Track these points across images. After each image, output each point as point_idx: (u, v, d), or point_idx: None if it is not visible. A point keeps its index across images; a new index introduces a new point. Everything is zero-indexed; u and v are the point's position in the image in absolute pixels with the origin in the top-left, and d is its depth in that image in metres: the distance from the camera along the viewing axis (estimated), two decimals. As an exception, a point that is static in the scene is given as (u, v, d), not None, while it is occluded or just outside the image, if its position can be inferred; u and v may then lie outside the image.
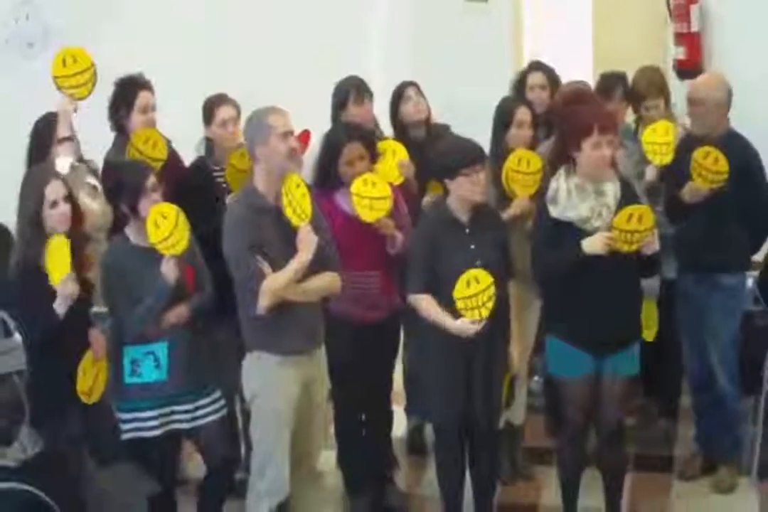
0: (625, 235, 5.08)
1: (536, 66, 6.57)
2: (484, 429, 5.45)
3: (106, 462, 5.10)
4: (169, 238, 5.02)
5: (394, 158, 5.86)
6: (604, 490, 5.53)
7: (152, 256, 5.03)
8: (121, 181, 5.15)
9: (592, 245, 5.11)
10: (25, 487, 4.53)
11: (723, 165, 5.63)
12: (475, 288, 5.09)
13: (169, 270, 5.02)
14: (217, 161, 5.90)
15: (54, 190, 4.99)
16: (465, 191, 5.25)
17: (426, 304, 5.25)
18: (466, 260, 5.19)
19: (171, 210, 5.05)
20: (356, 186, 5.42)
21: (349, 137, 5.55)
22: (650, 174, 5.96)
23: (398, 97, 6.30)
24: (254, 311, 4.91)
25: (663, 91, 6.36)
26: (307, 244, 4.93)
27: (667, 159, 5.89)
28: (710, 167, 5.64)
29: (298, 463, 5.15)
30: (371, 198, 5.41)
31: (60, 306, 4.87)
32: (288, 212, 4.96)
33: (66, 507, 4.63)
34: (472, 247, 5.24)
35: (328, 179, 5.58)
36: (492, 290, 5.10)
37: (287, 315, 4.93)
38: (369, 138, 5.69)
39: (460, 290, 5.09)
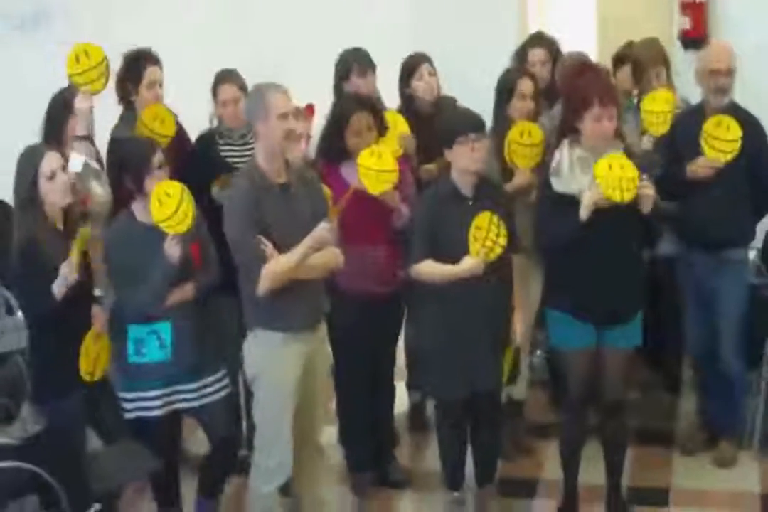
0: (612, 182, 4.99)
1: (537, 40, 6.50)
2: (486, 404, 5.46)
3: (108, 440, 5.10)
4: (173, 217, 4.94)
5: (395, 130, 5.82)
6: (606, 464, 5.54)
7: (158, 233, 4.96)
8: (128, 158, 5.10)
9: (587, 203, 5.01)
10: (27, 465, 4.52)
11: (736, 131, 5.57)
12: (482, 226, 5.12)
13: (172, 250, 4.95)
14: (223, 136, 5.92)
15: (50, 162, 4.90)
16: (461, 160, 5.22)
17: (428, 266, 5.24)
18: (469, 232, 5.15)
19: (176, 188, 4.98)
20: (363, 157, 5.37)
21: (357, 107, 5.52)
22: (646, 144, 5.91)
23: (411, 70, 6.22)
24: (255, 291, 4.87)
25: (665, 61, 6.30)
26: (318, 239, 4.87)
27: (663, 129, 5.84)
28: (722, 136, 5.58)
29: (301, 439, 5.15)
30: (377, 170, 5.37)
31: (58, 287, 4.81)
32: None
33: (68, 485, 4.60)
34: (474, 219, 5.18)
35: (335, 150, 5.56)
36: (504, 228, 5.11)
37: (288, 292, 4.90)
38: (377, 109, 5.66)
39: (473, 230, 5.11)
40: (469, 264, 5.14)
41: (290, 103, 4.97)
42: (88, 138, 5.57)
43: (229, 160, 5.86)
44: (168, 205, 4.95)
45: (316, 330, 5.13)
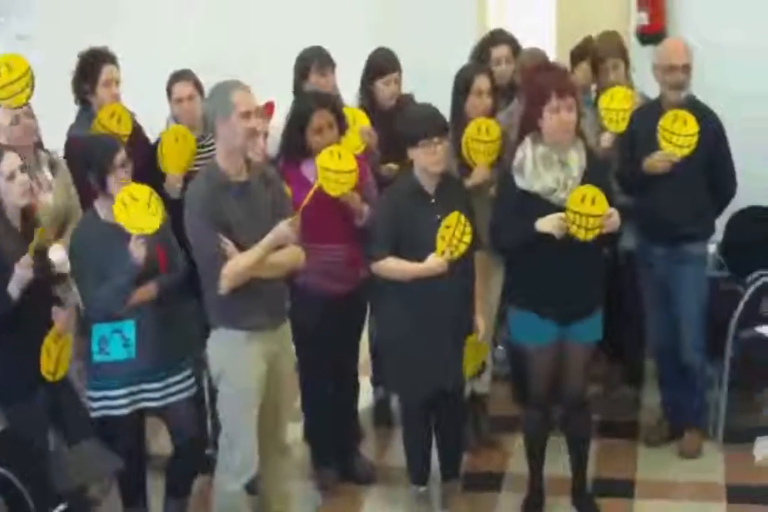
0: (580, 219, 5.05)
1: (500, 37, 6.48)
2: (450, 399, 5.49)
3: (72, 440, 5.09)
4: (137, 220, 4.93)
5: (355, 126, 5.83)
6: (570, 457, 5.57)
7: (121, 231, 4.95)
8: (90, 156, 5.07)
9: (545, 225, 5.09)
10: (-10, 466, 4.54)
11: (693, 126, 5.60)
12: (451, 225, 5.15)
13: (138, 250, 4.94)
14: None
15: (9, 163, 4.90)
16: (423, 161, 5.25)
17: (390, 262, 5.26)
18: (432, 230, 5.17)
19: (143, 192, 4.97)
20: (322, 158, 5.35)
21: (318, 105, 5.51)
22: (606, 142, 5.93)
23: (379, 73, 6.14)
24: (217, 290, 4.88)
25: (623, 53, 6.34)
26: (280, 237, 4.88)
27: (623, 126, 5.87)
28: (679, 131, 5.62)
29: (266, 437, 5.15)
30: (337, 171, 5.35)
31: (14, 287, 4.81)
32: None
33: (32, 486, 4.60)
34: (438, 216, 5.21)
35: (296, 148, 5.55)
36: (469, 226, 5.15)
37: (251, 291, 4.90)
38: (338, 106, 5.66)
39: (441, 229, 5.15)
40: (433, 263, 5.17)
41: (253, 101, 4.95)
42: (39, 144, 5.57)
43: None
44: (133, 207, 4.93)
45: (278, 330, 5.13)
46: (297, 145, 5.54)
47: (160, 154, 5.71)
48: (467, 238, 5.18)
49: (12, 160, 4.93)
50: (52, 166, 5.61)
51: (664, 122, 5.64)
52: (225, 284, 4.86)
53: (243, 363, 4.99)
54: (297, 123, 5.54)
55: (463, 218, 5.16)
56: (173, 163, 5.73)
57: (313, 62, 6.06)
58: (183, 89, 5.89)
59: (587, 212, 5.05)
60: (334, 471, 5.92)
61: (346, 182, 5.38)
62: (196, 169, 5.43)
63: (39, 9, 7.14)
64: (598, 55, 6.28)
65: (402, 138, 5.33)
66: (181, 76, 5.94)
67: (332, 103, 5.61)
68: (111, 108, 5.75)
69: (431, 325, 5.30)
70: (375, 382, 6.60)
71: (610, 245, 5.84)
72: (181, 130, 5.79)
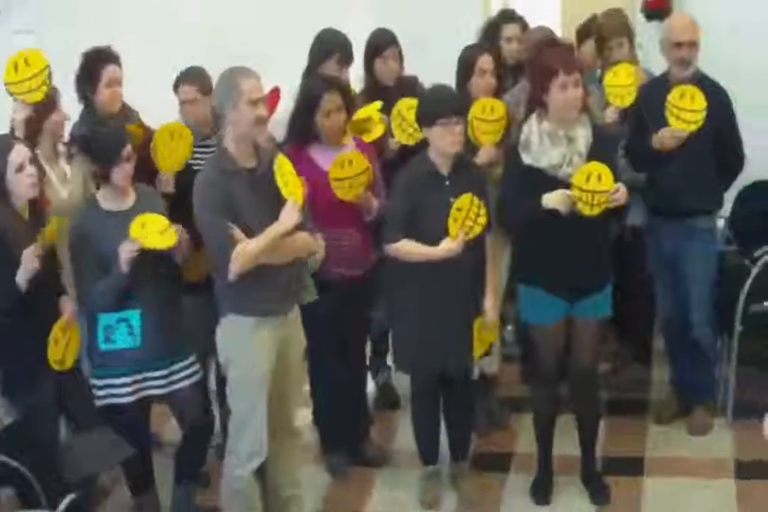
0: (586, 196, 5.04)
1: (510, 16, 6.46)
2: (459, 379, 5.49)
3: (80, 429, 5.11)
4: (154, 239, 5.01)
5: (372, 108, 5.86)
6: (579, 436, 5.58)
7: (124, 220, 4.99)
8: (97, 147, 5.08)
9: (551, 200, 5.08)
10: (0, 457, 4.54)
11: (701, 101, 5.57)
12: (463, 207, 5.15)
13: (125, 253, 4.97)
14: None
15: (19, 154, 4.91)
16: (441, 141, 5.22)
17: (405, 245, 5.26)
18: (446, 213, 5.16)
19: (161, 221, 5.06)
20: (333, 171, 5.38)
21: (327, 87, 5.50)
22: (611, 116, 5.91)
23: (376, 51, 6.13)
24: (227, 276, 4.87)
25: (627, 31, 6.30)
26: (290, 217, 4.85)
27: (628, 100, 5.85)
28: (687, 106, 5.58)
29: (276, 423, 5.14)
30: (352, 177, 5.39)
31: (21, 278, 4.82)
32: (281, 184, 4.86)
33: (42, 476, 4.62)
34: (452, 199, 5.19)
35: (304, 131, 5.53)
36: (483, 208, 5.15)
37: (260, 276, 4.89)
38: (347, 90, 5.65)
39: (453, 212, 5.14)
40: (448, 246, 5.17)
41: (261, 89, 4.93)
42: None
43: (191, 162, 5.70)
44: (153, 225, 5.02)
45: (288, 315, 5.12)
46: (305, 127, 5.53)
47: (153, 150, 5.60)
48: (482, 220, 5.18)
49: (21, 152, 4.93)
50: (69, 159, 5.59)
51: (672, 98, 5.60)
52: (234, 269, 4.84)
53: (251, 350, 4.98)
54: (306, 106, 5.51)
55: (476, 200, 5.15)
56: (165, 159, 5.61)
57: (335, 53, 6.00)
58: (185, 92, 5.79)
59: (593, 189, 5.04)
60: (345, 456, 5.94)
61: (360, 184, 5.44)
62: (197, 168, 5.38)
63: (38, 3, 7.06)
64: (603, 33, 6.26)
65: (419, 117, 5.31)
66: (185, 77, 5.83)
67: (342, 87, 5.59)
68: (170, 127, 5.63)
69: (443, 306, 5.31)
70: (375, 368, 6.59)
71: (619, 220, 5.82)
72: (177, 127, 5.66)
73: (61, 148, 5.58)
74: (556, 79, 5.06)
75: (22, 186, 4.92)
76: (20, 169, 4.90)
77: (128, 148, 5.06)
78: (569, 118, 5.13)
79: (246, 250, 4.81)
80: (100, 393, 5.16)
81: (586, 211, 5.07)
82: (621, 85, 5.85)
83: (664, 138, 5.66)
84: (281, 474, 5.33)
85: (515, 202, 5.21)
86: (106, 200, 5.13)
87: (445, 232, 5.17)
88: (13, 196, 4.93)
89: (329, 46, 6.01)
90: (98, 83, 5.72)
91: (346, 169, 5.39)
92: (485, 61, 5.86)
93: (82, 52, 5.77)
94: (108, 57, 5.76)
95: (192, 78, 5.81)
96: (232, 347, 5.04)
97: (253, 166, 4.97)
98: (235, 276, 4.86)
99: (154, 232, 5.01)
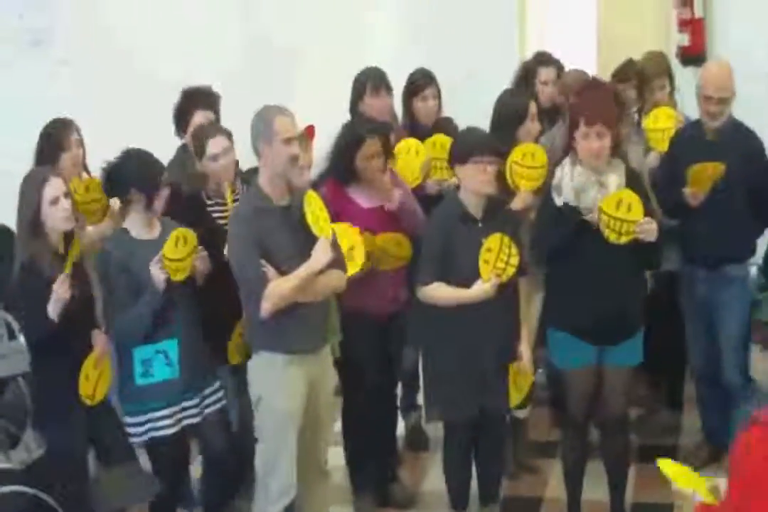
0: (614, 222, 5.04)
1: (546, 59, 6.52)
2: (491, 423, 5.47)
3: (110, 464, 5.10)
4: (179, 262, 5.04)
5: (418, 158, 5.93)
6: (608, 481, 5.54)
7: (155, 249, 5.01)
8: (138, 173, 5.08)
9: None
10: (29, 490, 4.52)
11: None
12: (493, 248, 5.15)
13: (158, 274, 5.01)
14: (211, 195, 5.60)
15: (54, 188, 4.95)
16: (472, 180, 5.22)
17: (439, 289, 5.24)
18: (477, 253, 5.16)
19: (192, 238, 5.09)
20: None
21: (369, 132, 5.55)
22: (653, 161, 5.92)
23: (414, 91, 6.25)
24: (258, 313, 4.89)
25: (669, 73, 6.35)
26: (322, 256, 4.89)
27: (666, 145, 5.87)
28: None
29: (306, 461, 5.14)
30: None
31: (53, 310, 4.83)
32: (311, 221, 4.90)
33: (70, 509, 4.60)
34: (483, 240, 5.18)
35: (345, 172, 5.58)
36: (515, 248, 5.14)
37: (291, 314, 4.91)
38: (386, 135, 5.69)
39: (483, 253, 5.13)
40: (481, 288, 5.16)
41: (295, 127, 4.99)
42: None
43: (220, 220, 5.57)
44: (182, 249, 5.05)
45: (320, 353, 5.14)
46: (346, 168, 5.57)
47: None
48: (514, 260, 5.16)
49: (56, 185, 4.97)
50: None
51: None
52: (266, 307, 4.87)
53: (283, 387, 5.00)
54: (348, 148, 5.56)
55: (506, 240, 5.14)
56: None
57: (367, 83, 6.10)
58: (217, 144, 5.54)
59: (622, 217, 5.02)
60: (374, 497, 5.91)
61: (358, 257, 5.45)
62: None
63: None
64: (645, 75, 6.26)
65: (452, 155, 5.33)
66: (213, 130, 5.61)
67: (382, 132, 5.63)
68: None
69: (477, 350, 5.28)
70: (405, 409, 6.56)
71: (653, 268, 5.80)
72: None
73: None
74: (577, 130, 5.09)
75: (56, 219, 4.95)
76: (55, 202, 4.93)
77: (165, 175, 5.14)
78: (595, 165, 5.14)
79: (279, 289, 4.84)
80: (141, 429, 5.14)
81: (612, 238, 5.06)
82: (662, 129, 5.87)
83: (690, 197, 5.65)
84: (310, 513, 5.32)
85: (544, 232, 5.24)
86: (134, 229, 5.16)
87: (477, 274, 5.16)
88: (48, 229, 4.96)
89: (360, 81, 6.15)
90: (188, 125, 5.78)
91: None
92: (533, 107, 5.91)
93: (182, 89, 5.89)
94: (200, 100, 5.87)
95: (217, 129, 5.64)
96: (263, 384, 5.05)
97: (286, 204, 5.00)
98: (267, 314, 4.88)
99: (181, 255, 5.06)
